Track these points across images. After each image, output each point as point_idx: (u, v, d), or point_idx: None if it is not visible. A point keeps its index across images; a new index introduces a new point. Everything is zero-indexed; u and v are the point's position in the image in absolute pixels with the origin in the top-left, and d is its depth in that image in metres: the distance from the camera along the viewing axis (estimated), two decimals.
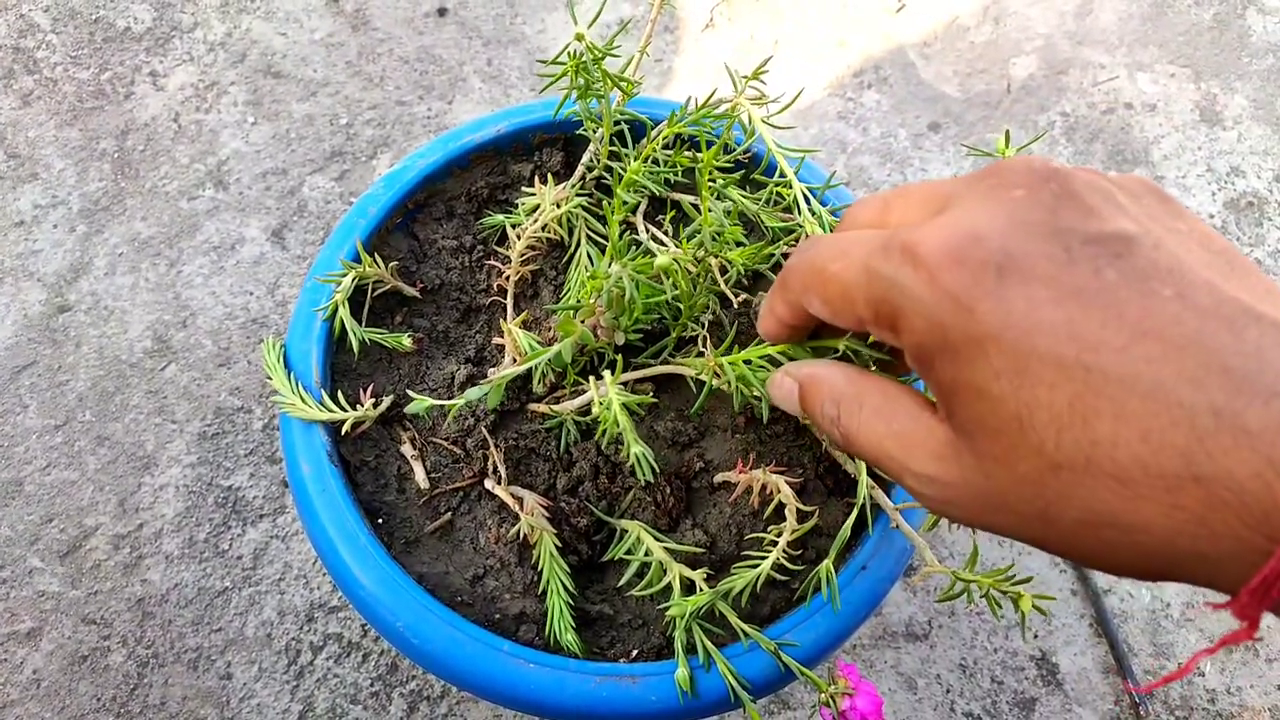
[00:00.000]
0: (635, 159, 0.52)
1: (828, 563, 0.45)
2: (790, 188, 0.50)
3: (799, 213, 0.50)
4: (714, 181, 0.52)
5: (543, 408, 0.51)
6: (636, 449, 0.41)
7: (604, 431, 0.43)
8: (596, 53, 0.46)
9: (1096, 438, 0.25)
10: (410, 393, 0.50)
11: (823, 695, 0.43)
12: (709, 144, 0.52)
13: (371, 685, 0.72)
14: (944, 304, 0.27)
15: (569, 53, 0.46)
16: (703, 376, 0.46)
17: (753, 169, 0.57)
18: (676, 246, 0.51)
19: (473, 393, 0.46)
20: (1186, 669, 0.28)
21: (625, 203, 0.45)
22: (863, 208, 0.35)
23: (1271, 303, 0.26)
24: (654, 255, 0.47)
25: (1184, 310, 0.25)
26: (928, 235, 0.27)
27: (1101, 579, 0.80)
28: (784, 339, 0.38)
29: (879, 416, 0.32)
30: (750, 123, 0.51)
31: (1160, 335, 0.25)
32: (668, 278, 0.45)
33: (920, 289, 0.27)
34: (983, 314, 0.26)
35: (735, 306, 0.53)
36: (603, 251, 0.53)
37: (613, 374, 0.44)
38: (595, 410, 0.44)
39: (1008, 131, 0.53)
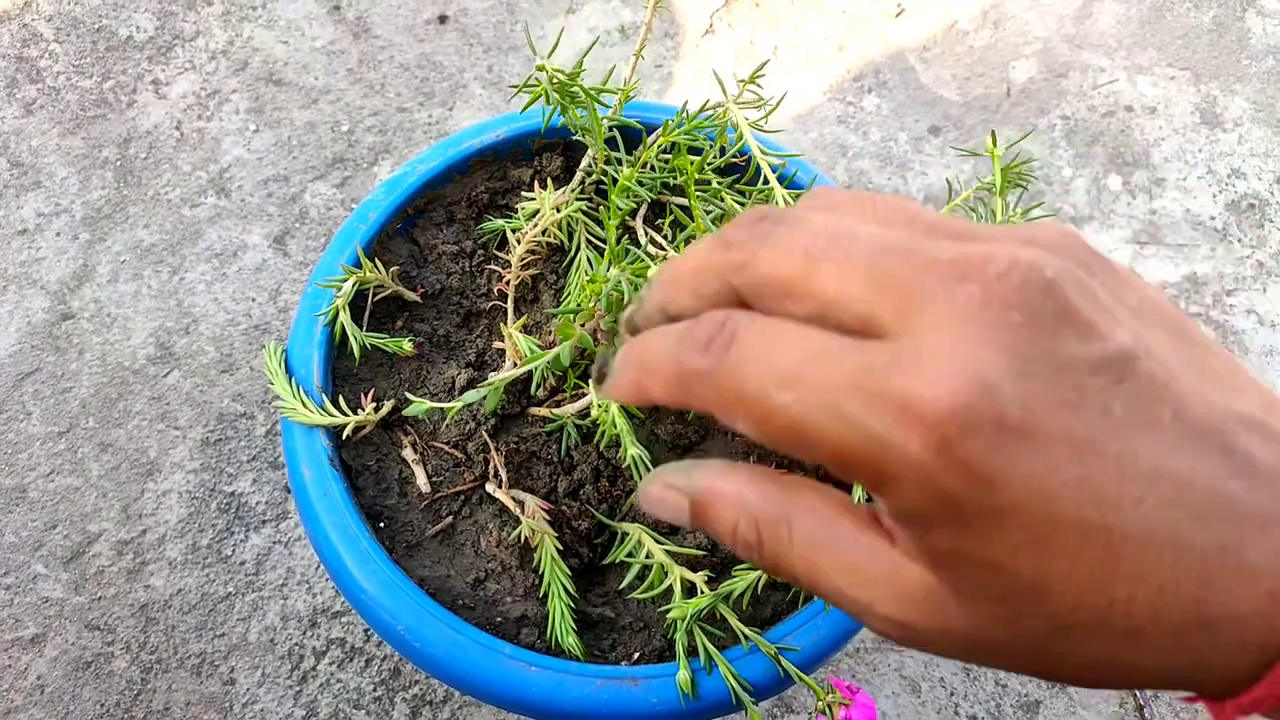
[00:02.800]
0: (630, 165, 0.52)
1: None
2: (774, 193, 0.50)
3: None
4: (708, 185, 0.52)
5: (543, 411, 0.51)
6: (633, 451, 0.41)
7: (603, 434, 0.44)
8: (564, 76, 0.47)
9: (1114, 598, 0.23)
10: (410, 397, 0.50)
11: (819, 703, 0.43)
12: (699, 151, 0.53)
13: (374, 690, 0.72)
14: (955, 476, 0.23)
15: (535, 80, 0.47)
16: None
17: (748, 172, 0.57)
18: (674, 251, 0.51)
19: (471, 395, 0.46)
20: None
21: (620, 208, 0.45)
22: (780, 248, 0.26)
23: (1233, 388, 0.25)
24: (652, 259, 0.48)
25: (1183, 436, 0.24)
26: (928, 389, 0.22)
27: None
28: (636, 405, 0.31)
29: (817, 543, 0.27)
30: (739, 127, 0.51)
31: (1171, 474, 0.23)
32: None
33: (925, 457, 0.22)
34: (1003, 485, 0.23)
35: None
36: (602, 255, 0.53)
37: None
38: (594, 413, 0.45)
39: (993, 132, 0.53)
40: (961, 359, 0.23)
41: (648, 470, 0.40)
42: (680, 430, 0.51)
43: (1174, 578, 0.23)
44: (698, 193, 0.57)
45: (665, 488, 0.29)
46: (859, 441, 0.23)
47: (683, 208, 0.56)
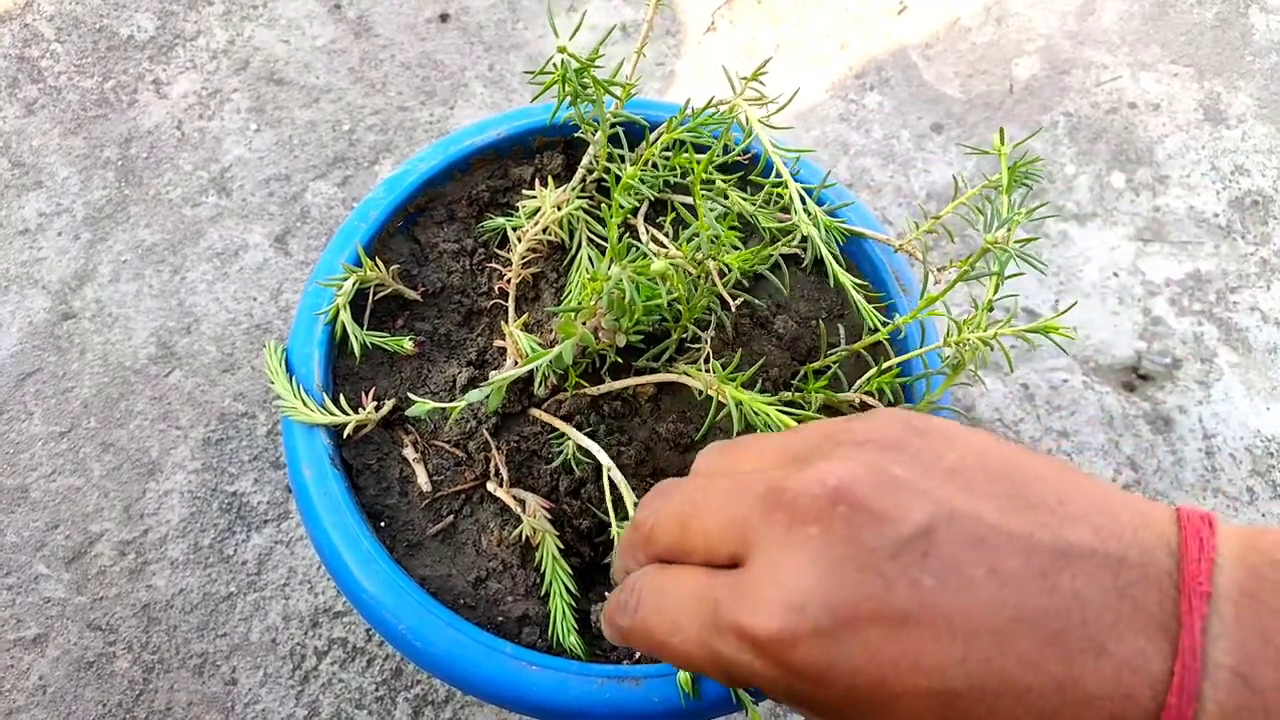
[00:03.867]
0: (632, 163, 0.52)
1: None
2: (786, 188, 0.50)
3: (795, 213, 0.49)
4: (711, 184, 0.52)
5: (544, 416, 0.51)
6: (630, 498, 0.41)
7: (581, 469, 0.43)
8: (581, 63, 0.46)
9: None
10: (411, 396, 0.50)
11: None
12: (704, 148, 0.52)
13: (376, 690, 0.71)
14: (797, 681, 0.27)
15: (553, 64, 0.46)
16: (710, 392, 0.46)
17: (752, 170, 0.57)
18: (676, 249, 0.51)
19: (473, 395, 0.46)
20: None
21: (623, 206, 0.45)
22: (659, 520, 0.33)
23: (1065, 519, 0.27)
24: (654, 257, 0.47)
25: (1001, 588, 0.26)
26: (753, 616, 0.27)
27: None
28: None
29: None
30: (748, 124, 0.51)
31: (990, 628, 0.26)
32: (665, 281, 0.45)
33: (770, 672, 0.27)
34: (835, 679, 0.26)
35: (734, 309, 0.53)
36: (603, 254, 0.53)
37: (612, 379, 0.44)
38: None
39: (1002, 130, 0.53)
40: (774, 585, 0.27)
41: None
42: (681, 429, 0.51)
43: (1019, 718, 0.25)
44: (702, 191, 0.57)
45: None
46: (727, 666, 0.28)
47: (685, 205, 0.56)
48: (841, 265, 0.56)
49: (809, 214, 0.50)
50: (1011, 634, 0.26)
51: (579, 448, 0.49)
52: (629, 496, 0.45)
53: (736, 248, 0.48)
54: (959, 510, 0.27)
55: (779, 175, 0.50)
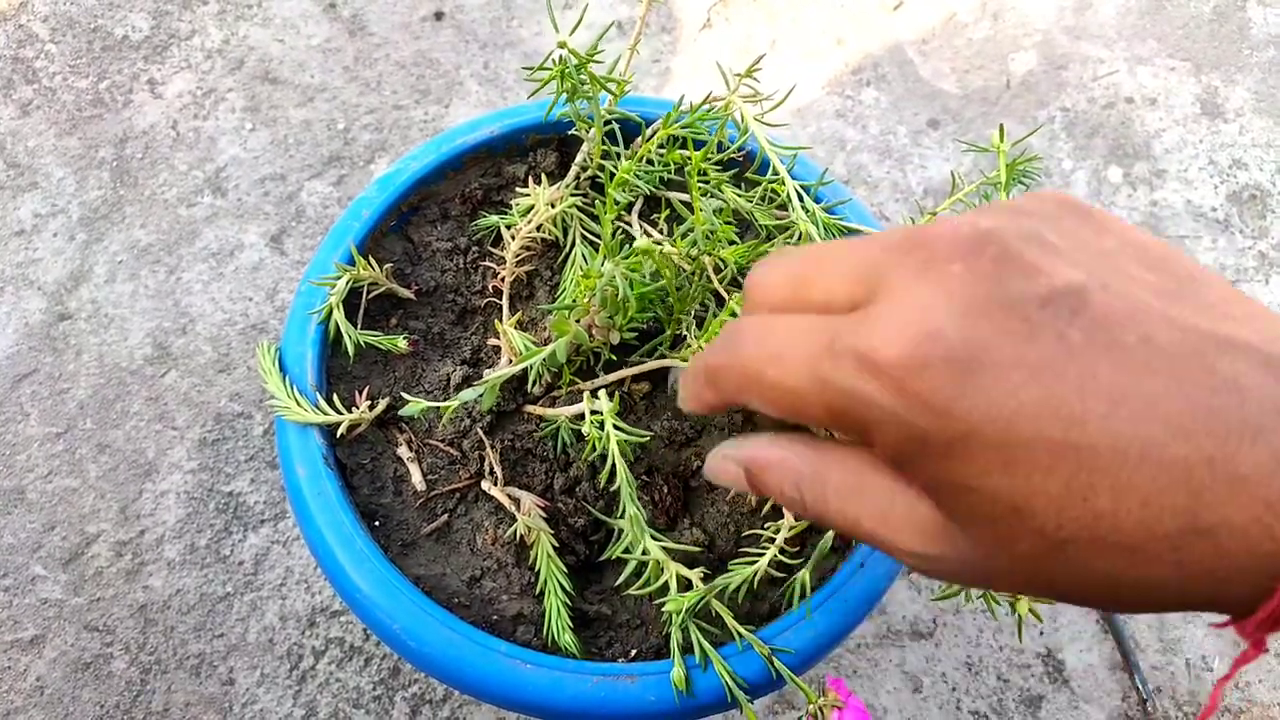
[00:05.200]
0: (628, 159, 0.52)
1: (803, 574, 0.45)
2: (783, 185, 0.49)
3: (792, 210, 0.49)
4: (706, 180, 0.51)
5: (538, 410, 0.51)
6: (630, 509, 0.41)
7: (592, 446, 0.43)
8: (580, 58, 0.46)
9: (1098, 512, 0.24)
10: (405, 395, 0.50)
11: (810, 707, 0.43)
12: (700, 144, 0.52)
13: (374, 689, 0.71)
14: (916, 411, 0.25)
15: (553, 59, 0.46)
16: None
17: (747, 167, 0.57)
18: (671, 245, 0.51)
19: (467, 394, 0.46)
20: (1213, 705, 0.28)
21: (617, 202, 0.45)
22: (770, 279, 0.31)
23: (1226, 316, 0.25)
24: (648, 254, 0.47)
25: (1153, 356, 0.24)
26: (880, 340, 0.25)
27: None
28: (710, 413, 0.35)
29: (849, 494, 0.30)
30: (743, 121, 0.50)
31: (1138, 391, 0.24)
32: (648, 258, 0.45)
33: (887, 400, 0.25)
34: (960, 413, 0.25)
35: (729, 304, 0.52)
36: (597, 251, 0.53)
37: (610, 398, 0.44)
38: (585, 429, 0.45)
39: (1002, 126, 0.53)
40: (908, 311, 0.25)
41: (636, 506, 0.42)
42: (676, 426, 0.51)
43: (1158, 490, 0.24)
44: (698, 185, 0.56)
45: (723, 459, 0.33)
46: (835, 397, 0.26)
47: (681, 202, 0.56)
48: None
49: (806, 211, 0.50)
50: (1162, 399, 0.24)
51: (572, 430, 0.49)
52: (627, 487, 0.44)
53: (733, 242, 0.48)
54: (1113, 284, 0.26)
55: (776, 172, 0.50)
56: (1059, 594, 0.27)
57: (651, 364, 0.50)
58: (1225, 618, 0.25)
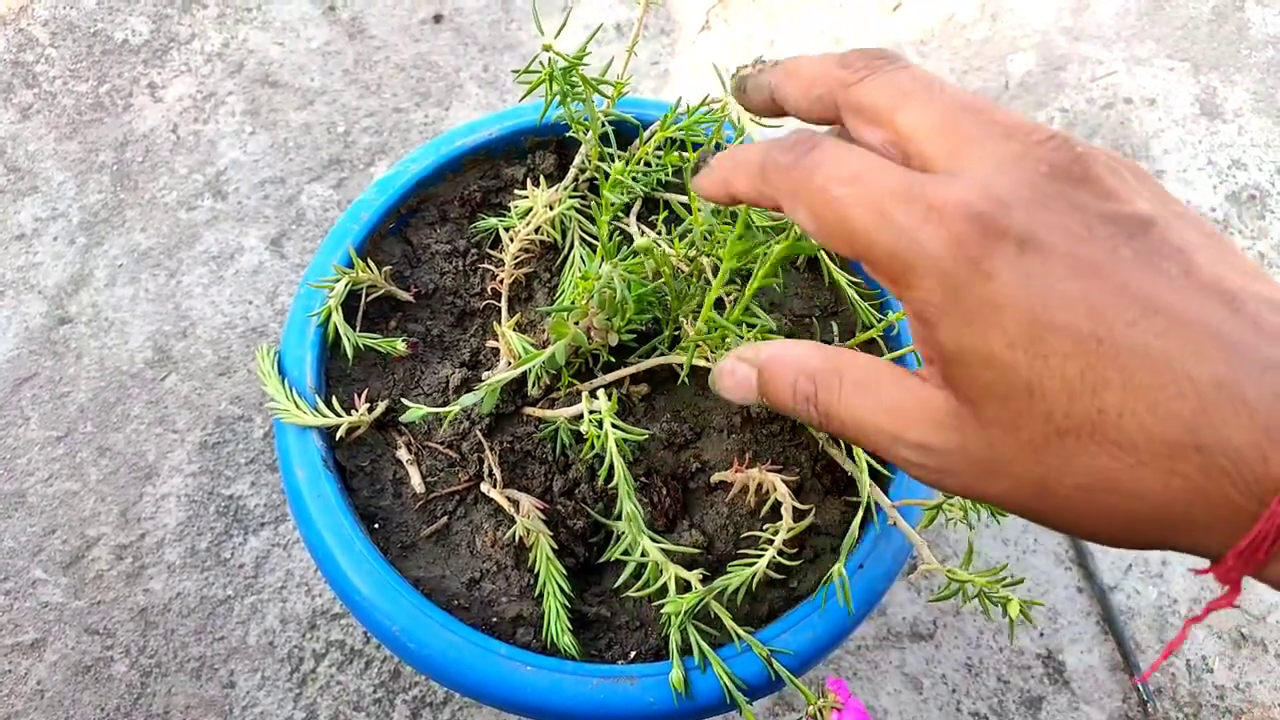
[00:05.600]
0: (625, 160, 0.52)
1: (839, 565, 0.45)
2: None
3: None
4: None
5: (537, 412, 0.51)
6: (627, 506, 0.41)
7: (590, 446, 0.43)
8: (568, 60, 0.46)
9: (1104, 406, 0.25)
10: (405, 400, 0.50)
11: (810, 708, 0.43)
12: (696, 145, 0.52)
13: (374, 692, 0.71)
14: (963, 266, 0.27)
15: (540, 63, 0.46)
16: (696, 361, 0.46)
17: None
18: (670, 246, 0.51)
19: (468, 399, 0.46)
20: (1180, 638, 0.29)
21: (613, 203, 0.45)
22: (871, 85, 0.31)
23: (1260, 279, 0.27)
24: (647, 254, 0.47)
25: (1189, 287, 0.26)
26: (954, 195, 0.27)
27: (1107, 576, 0.79)
28: (720, 203, 0.36)
29: (863, 389, 0.31)
30: (739, 122, 0.51)
31: (1169, 311, 0.26)
32: (647, 255, 0.45)
33: (940, 248, 0.27)
34: (1003, 281, 0.26)
35: (728, 305, 0.53)
36: (595, 252, 0.53)
37: (609, 398, 0.44)
38: (584, 429, 0.45)
39: None
40: (990, 184, 0.27)
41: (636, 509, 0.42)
42: (675, 429, 0.51)
43: (1167, 397, 0.25)
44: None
45: (736, 360, 0.35)
46: (891, 235, 0.28)
47: (680, 204, 0.56)
48: (836, 263, 0.56)
49: None
50: (1188, 325, 0.25)
51: (571, 431, 0.49)
52: (625, 485, 0.44)
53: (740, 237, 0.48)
54: (1173, 227, 0.28)
55: None
56: (1047, 502, 0.28)
57: (649, 363, 0.50)
58: (1203, 564, 0.26)
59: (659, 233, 0.54)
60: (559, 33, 0.45)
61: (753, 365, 0.34)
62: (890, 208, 0.28)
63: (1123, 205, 0.28)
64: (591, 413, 0.45)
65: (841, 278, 0.55)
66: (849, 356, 0.32)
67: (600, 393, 0.47)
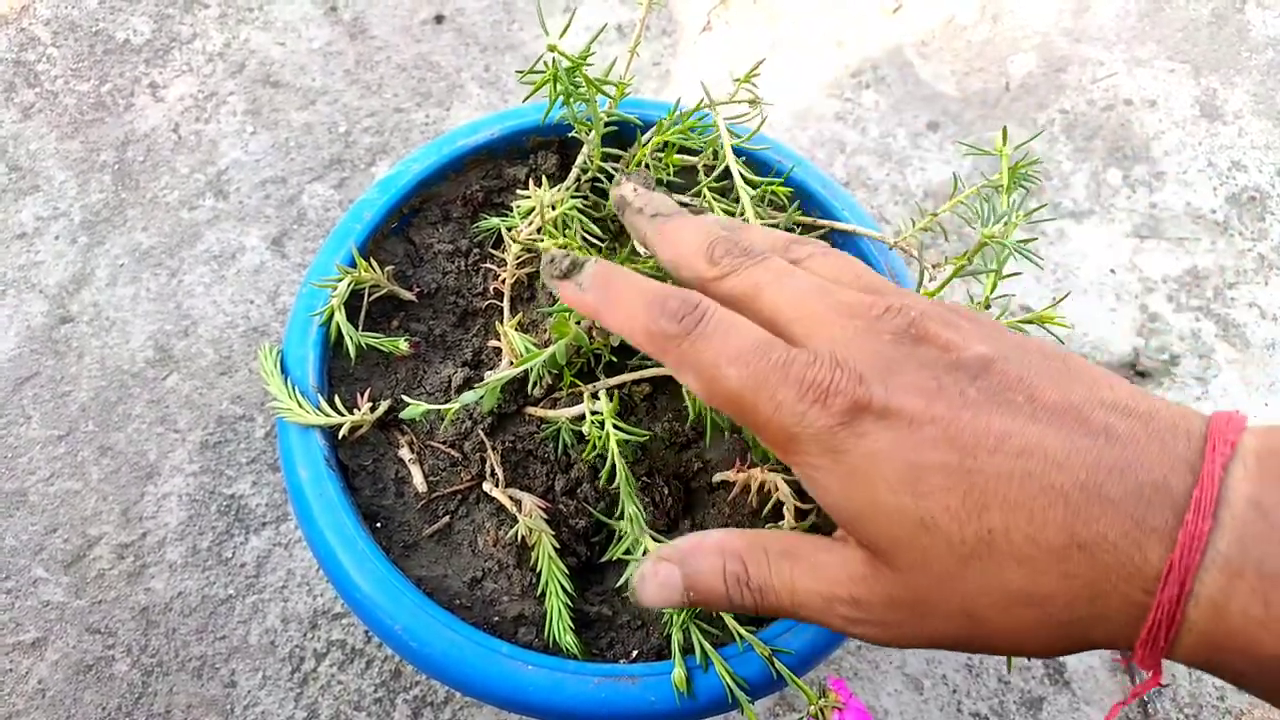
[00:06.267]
0: (624, 162, 0.52)
1: None
2: (779, 191, 0.50)
3: (788, 214, 0.49)
4: (696, 186, 0.52)
5: (539, 412, 0.51)
6: (629, 508, 0.42)
7: (593, 446, 0.43)
8: (572, 61, 0.46)
9: (992, 526, 0.28)
10: (406, 399, 0.50)
11: (811, 708, 0.43)
12: (696, 150, 0.53)
13: (375, 692, 0.71)
14: (840, 434, 0.30)
15: (544, 62, 0.46)
16: None
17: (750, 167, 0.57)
18: None
19: (468, 396, 0.46)
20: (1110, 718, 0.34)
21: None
22: (743, 276, 0.36)
23: (1102, 385, 0.30)
24: (647, 255, 0.47)
25: (1037, 413, 0.29)
26: (823, 375, 0.31)
27: None
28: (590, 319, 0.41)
29: (790, 557, 0.34)
30: (718, 132, 0.51)
31: (1022, 435, 0.29)
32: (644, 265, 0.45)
33: (820, 422, 0.31)
34: (874, 438, 0.30)
35: None
36: (598, 252, 0.53)
37: (610, 399, 0.44)
38: (586, 429, 0.45)
39: (1005, 129, 0.53)
40: (846, 360, 0.32)
41: (637, 511, 0.43)
42: (677, 428, 0.51)
43: (1040, 507, 0.28)
44: (688, 194, 0.57)
45: (656, 561, 0.37)
46: (778, 414, 0.32)
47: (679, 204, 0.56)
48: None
49: (802, 213, 0.50)
50: (1042, 441, 0.29)
51: (573, 431, 0.49)
52: (626, 485, 0.45)
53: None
54: (1012, 359, 0.31)
55: (773, 178, 0.50)
56: (980, 628, 0.30)
57: (651, 371, 0.50)
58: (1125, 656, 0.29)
59: None
60: (564, 33, 0.45)
61: (674, 562, 0.36)
62: (774, 387, 0.32)
63: (962, 352, 0.31)
64: (593, 413, 0.45)
65: None
66: (767, 533, 0.35)
67: (602, 394, 0.47)
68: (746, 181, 0.51)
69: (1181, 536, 0.26)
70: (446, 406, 0.47)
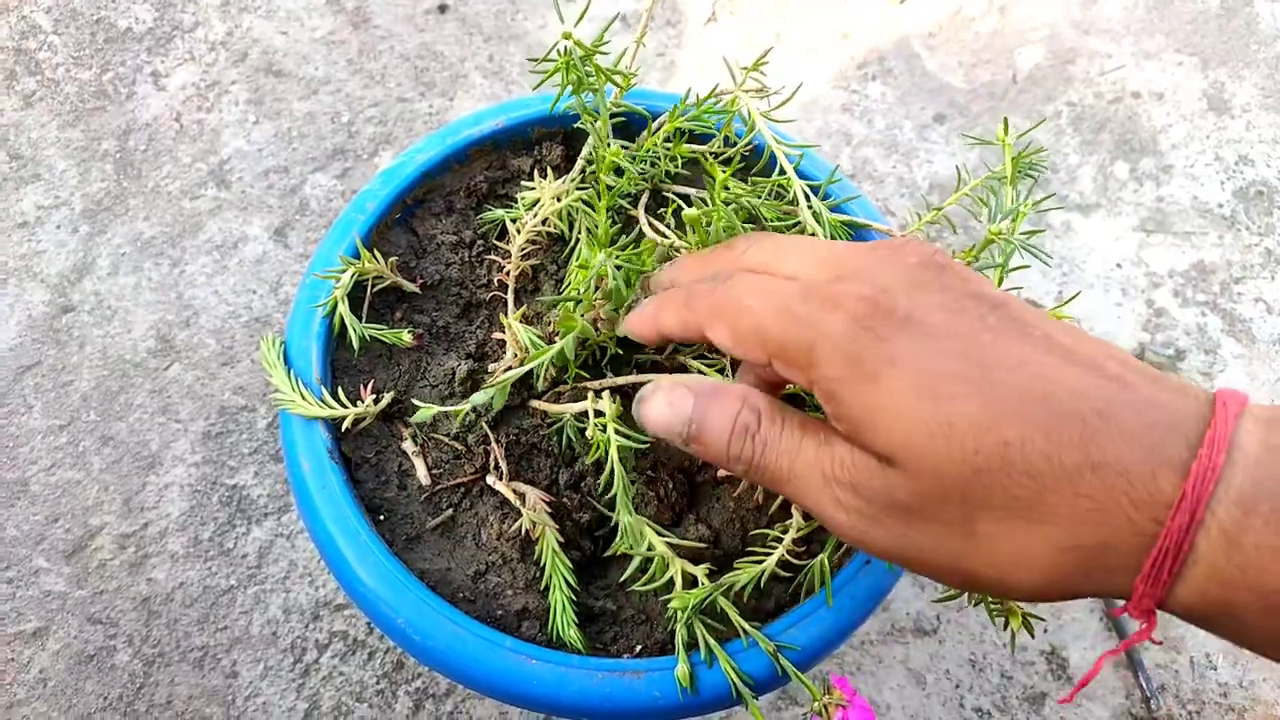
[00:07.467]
0: (633, 153, 0.52)
1: (823, 557, 0.45)
2: (791, 181, 0.49)
3: (800, 208, 0.49)
4: (709, 174, 0.51)
5: (543, 405, 0.50)
6: (625, 518, 0.41)
7: (596, 448, 0.43)
8: (585, 50, 0.46)
9: (1009, 438, 0.28)
10: (416, 402, 0.49)
11: (815, 704, 0.43)
12: (706, 138, 0.52)
13: (377, 683, 0.71)
14: (860, 336, 0.31)
15: (558, 50, 0.46)
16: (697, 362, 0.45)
17: (754, 162, 0.57)
18: (677, 238, 0.50)
19: (478, 397, 0.46)
20: (1094, 670, 0.33)
21: (610, 188, 0.45)
22: (756, 249, 0.39)
23: (1118, 352, 0.31)
24: (653, 244, 0.47)
25: (1053, 347, 0.30)
26: (845, 288, 0.32)
27: None
28: (649, 342, 0.42)
29: (804, 429, 0.34)
30: (750, 117, 0.50)
31: (1040, 362, 0.29)
32: (648, 254, 0.45)
33: (839, 327, 0.31)
34: (895, 343, 0.31)
35: None
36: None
37: (613, 400, 0.44)
38: (589, 431, 0.44)
39: (1006, 119, 0.52)
40: (872, 279, 0.33)
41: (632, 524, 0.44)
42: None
43: (1058, 425, 0.28)
44: (698, 183, 0.56)
45: (674, 384, 0.37)
46: (796, 327, 0.32)
47: (683, 197, 0.56)
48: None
49: (813, 210, 0.49)
50: (1059, 371, 0.29)
51: (576, 427, 0.48)
52: (623, 494, 0.44)
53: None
54: (1026, 308, 0.32)
55: (783, 170, 0.50)
56: (972, 544, 0.30)
57: (645, 378, 0.49)
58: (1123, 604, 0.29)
59: (668, 225, 0.54)
60: (579, 21, 0.45)
61: (693, 391, 0.36)
62: (794, 305, 0.33)
63: (981, 287, 0.32)
64: (597, 413, 0.45)
65: None
66: (791, 406, 0.35)
67: (605, 394, 0.47)
68: (752, 175, 0.51)
69: (1195, 467, 0.26)
70: (456, 409, 0.46)
